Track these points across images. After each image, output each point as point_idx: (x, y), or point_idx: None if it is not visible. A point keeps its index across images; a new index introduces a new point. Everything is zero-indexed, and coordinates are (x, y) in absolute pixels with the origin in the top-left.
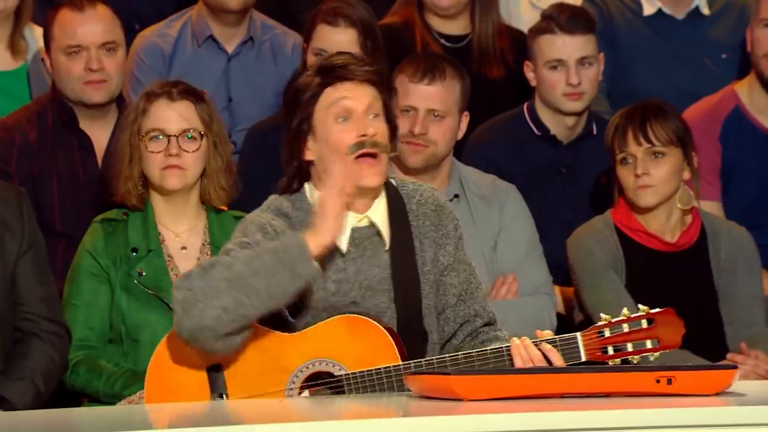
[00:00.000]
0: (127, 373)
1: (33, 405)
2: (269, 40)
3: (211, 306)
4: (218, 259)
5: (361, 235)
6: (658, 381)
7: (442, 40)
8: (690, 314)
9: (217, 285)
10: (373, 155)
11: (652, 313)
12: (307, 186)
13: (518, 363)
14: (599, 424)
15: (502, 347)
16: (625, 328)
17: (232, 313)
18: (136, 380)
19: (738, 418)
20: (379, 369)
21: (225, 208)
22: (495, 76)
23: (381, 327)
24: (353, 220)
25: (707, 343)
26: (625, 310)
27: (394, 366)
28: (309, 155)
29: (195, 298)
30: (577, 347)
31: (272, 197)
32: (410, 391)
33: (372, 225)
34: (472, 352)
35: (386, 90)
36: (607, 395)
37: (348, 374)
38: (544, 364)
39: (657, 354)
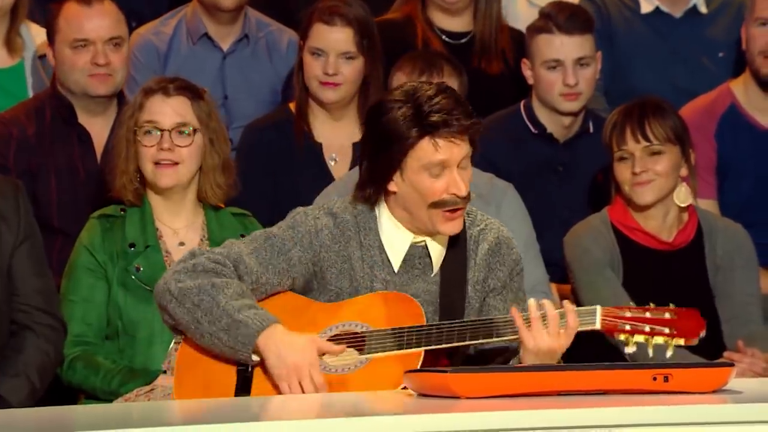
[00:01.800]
0: (124, 370)
1: (28, 400)
2: (264, 38)
3: (178, 308)
4: (208, 284)
5: (415, 253)
6: (655, 378)
7: (444, 37)
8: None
9: (186, 300)
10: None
11: (677, 309)
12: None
13: (533, 313)
14: (596, 422)
15: (511, 317)
16: (648, 314)
17: (184, 328)
18: (133, 377)
19: (734, 416)
20: (402, 327)
21: (222, 206)
22: (495, 72)
23: (414, 300)
24: (413, 239)
25: (704, 340)
26: (650, 303)
27: (417, 325)
28: (393, 187)
29: (171, 295)
30: (594, 315)
31: (336, 198)
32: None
33: (426, 248)
34: (484, 319)
35: (477, 136)
36: (605, 393)
37: (370, 330)
38: (557, 322)
39: (672, 345)
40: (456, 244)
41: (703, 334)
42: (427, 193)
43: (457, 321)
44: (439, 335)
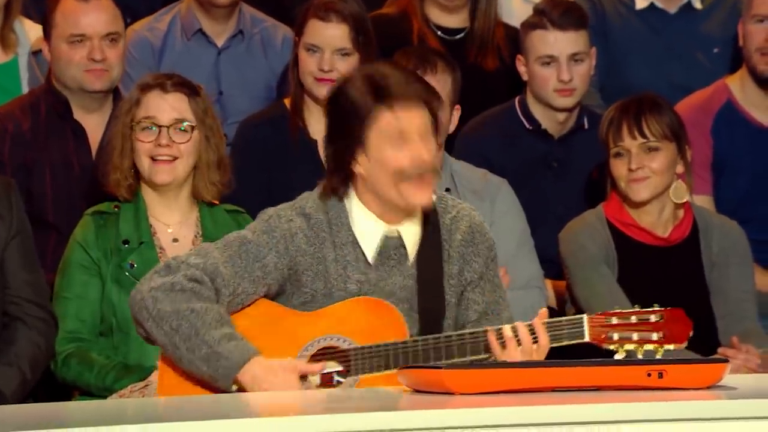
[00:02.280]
0: (118, 366)
1: (20, 391)
2: (259, 33)
3: (155, 329)
4: (187, 309)
5: (389, 245)
6: (649, 375)
7: (439, 32)
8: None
9: (164, 323)
10: (425, 178)
11: (663, 310)
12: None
13: (507, 334)
14: (590, 418)
15: (496, 328)
16: (634, 319)
17: (161, 346)
18: (128, 373)
19: (729, 412)
20: (386, 343)
21: (216, 202)
22: (490, 68)
23: (394, 308)
24: (385, 230)
25: (699, 337)
26: (636, 306)
27: (401, 341)
28: (358, 169)
29: (149, 313)
30: (582, 327)
31: (305, 194)
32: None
33: (400, 238)
34: (465, 333)
35: (437, 107)
36: (599, 389)
37: (355, 348)
38: (529, 341)
39: (661, 350)
40: (430, 234)
41: (690, 334)
42: (392, 165)
43: (442, 336)
44: (426, 353)
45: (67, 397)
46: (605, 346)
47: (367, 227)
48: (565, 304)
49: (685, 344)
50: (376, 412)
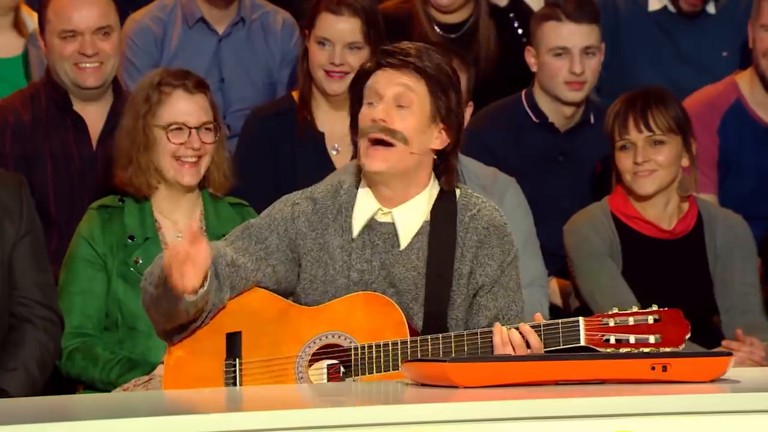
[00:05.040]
0: (123, 360)
1: (28, 394)
2: (259, 19)
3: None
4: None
5: (379, 228)
6: (653, 368)
7: (438, 29)
8: (685, 301)
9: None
10: (382, 142)
11: (660, 311)
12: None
13: (497, 341)
14: (594, 411)
15: (491, 329)
16: (630, 321)
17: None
18: (132, 368)
19: (733, 405)
20: (387, 342)
21: (220, 195)
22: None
23: (395, 305)
24: (376, 210)
25: (702, 330)
26: (634, 307)
27: (401, 340)
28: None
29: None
30: (578, 331)
31: (336, 173)
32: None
33: (392, 223)
34: (464, 333)
35: (440, 87)
36: (603, 382)
37: (356, 345)
38: (522, 345)
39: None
40: (444, 227)
41: (687, 336)
42: (359, 122)
43: (443, 336)
44: (424, 355)
45: (71, 391)
46: (602, 350)
47: (364, 207)
48: (570, 297)
49: (682, 347)
50: (381, 405)
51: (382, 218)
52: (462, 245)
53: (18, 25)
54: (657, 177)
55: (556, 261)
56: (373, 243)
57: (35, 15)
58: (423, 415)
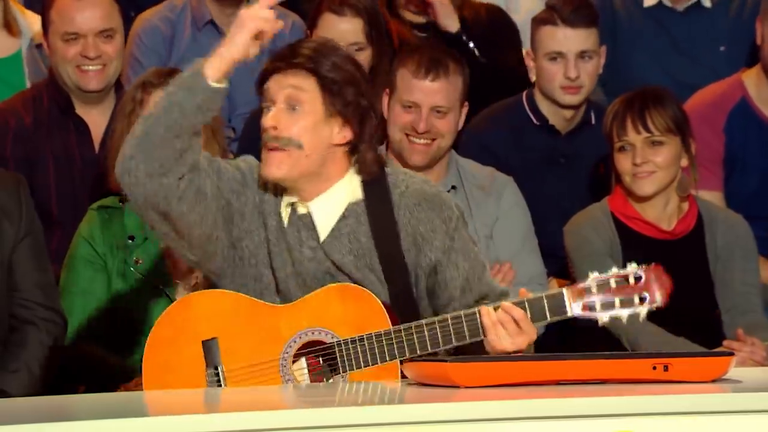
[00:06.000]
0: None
1: (30, 395)
2: None
3: (128, 142)
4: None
5: (298, 220)
6: (654, 368)
7: (415, 31)
8: (686, 302)
9: (135, 128)
10: (275, 149)
11: (639, 268)
12: None
13: (486, 323)
14: (596, 411)
15: (475, 310)
16: (612, 283)
17: (143, 136)
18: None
19: (734, 405)
20: (370, 335)
21: None
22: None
23: (372, 294)
24: (292, 201)
25: (704, 330)
26: (613, 269)
27: (384, 331)
28: None
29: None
30: (563, 299)
31: None
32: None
33: (309, 215)
34: (447, 316)
35: (333, 83)
36: (604, 382)
37: (339, 341)
38: (511, 321)
39: (644, 311)
40: (382, 208)
41: (670, 288)
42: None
43: (426, 323)
44: (410, 343)
45: (71, 391)
46: (589, 316)
47: (285, 200)
48: None
49: (665, 302)
50: (381, 405)
51: (301, 210)
52: (402, 225)
53: (9, 25)
54: (656, 178)
55: (556, 261)
56: (299, 236)
57: (28, 14)
58: (423, 415)
